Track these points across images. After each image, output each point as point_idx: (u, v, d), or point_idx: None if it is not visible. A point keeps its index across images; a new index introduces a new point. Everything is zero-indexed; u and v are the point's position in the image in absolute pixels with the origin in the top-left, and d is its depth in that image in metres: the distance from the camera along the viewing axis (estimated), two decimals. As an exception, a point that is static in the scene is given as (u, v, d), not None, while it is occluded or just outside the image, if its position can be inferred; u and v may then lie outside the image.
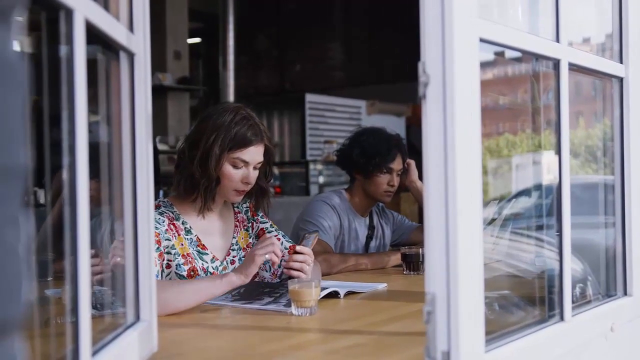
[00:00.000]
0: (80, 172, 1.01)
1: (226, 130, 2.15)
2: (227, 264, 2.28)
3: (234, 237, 2.34)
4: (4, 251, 0.55)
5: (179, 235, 2.18)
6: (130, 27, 1.35)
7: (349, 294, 2.17)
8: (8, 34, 0.56)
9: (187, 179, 2.20)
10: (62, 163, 1.03)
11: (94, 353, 1.10)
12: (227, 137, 2.15)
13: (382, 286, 2.34)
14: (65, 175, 1.02)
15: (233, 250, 2.32)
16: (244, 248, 2.35)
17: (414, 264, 2.64)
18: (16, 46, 0.59)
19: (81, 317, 1.01)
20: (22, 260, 0.58)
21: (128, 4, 1.35)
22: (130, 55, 1.34)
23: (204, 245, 2.23)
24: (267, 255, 1.98)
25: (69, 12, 0.99)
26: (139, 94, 1.37)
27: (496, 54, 1.47)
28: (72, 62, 1.00)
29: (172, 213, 2.21)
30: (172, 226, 2.17)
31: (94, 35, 1.12)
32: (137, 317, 1.37)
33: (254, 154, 2.21)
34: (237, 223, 2.37)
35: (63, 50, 1.01)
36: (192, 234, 2.22)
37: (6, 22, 0.56)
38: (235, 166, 2.19)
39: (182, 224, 2.22)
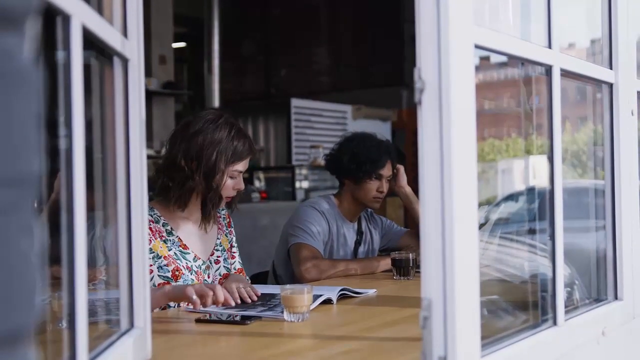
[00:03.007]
0: (77, 178, 1.00)
1: (226, 146, 2.25)
2: (210, 263, 2.36)
3: (217, 238, 2.42)
4: (19, 259, 0.55)
5: (156, 239, 2.23)
6: (125, 33, 1.34)
7: (342, 297, 2.18)
8: (21, 42, 0.56)
9: (188, 192, 2.25)
10: (52, 168, 1.02)
11: (90, 361, 1.09)
12: (229, 152, 2.25)
13: (372, 292, 2.34)
14: (61, 180, 1.01)
15: (217, 250, 2.41)
16: (227, 249, 2.45)
17: (404, 269, 2.64)
18: (29, 54, 0.58)
19: (78, 325, 1.00)
20: (36, 268, 0.58)
21: (122, 9, 1.35)
22: (125, 61, 1.34)
23: (185, 245, 2.29)
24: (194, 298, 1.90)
25: (66, 18, 0.98)
26: (132, 100, 1.36)
27: (481, 58, 1.48)
28: (69, 67, 1.00)
29: (151, 216, 2.25)
30: (149, 230, 2.21)
31: (88, 41, 1.11)
32: (131, 324, 1.36)
33: (247, 163, 2.34)
34: (220, 225, 2.46)
35: (60, 55, 1.01)
36: (173, 235, 2.28)
37: (19, 30, 0.56)
38: (231, 177, 2.29)
39: (163, 225, 2.27)
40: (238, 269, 2.46)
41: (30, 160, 0.57)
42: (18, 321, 0.55)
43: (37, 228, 0.59)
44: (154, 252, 2.20)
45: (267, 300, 2.13)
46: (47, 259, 1.11)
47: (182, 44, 10.02)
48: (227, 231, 2.49)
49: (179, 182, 2.24)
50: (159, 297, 1.99)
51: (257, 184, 7.43)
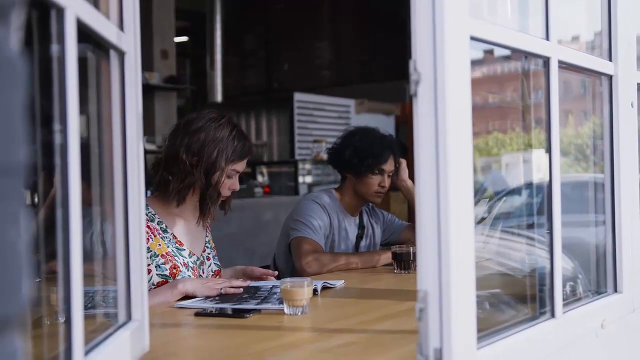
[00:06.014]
0: (72, 173, 1.00)
1: (227, 145, 2.28)
2: (203, 259, 2.41)
3: (207, 236, 2.48)
4: (5, 248, 0.55)
5: (155, 236, 2.26)
6: (121, 26, 1.34)
7: (324, 288, 2.24)
8: (7, 33, 0.56)
9: (187, 187, 2.29)
10: (51, 163, 1.02)
11: (86, 353, 1.09)
12: (229, 151, 2.29)
13: (340, 283, 2.38)
14: (55, 175, 1.02)
15: (207, 247, 2.46)
16: (213, 247, 2.50)
17: (404, 262, 2.64)
18: (15, 44, 0.58)
19: (74, 318, 1.00)
20: (23, 258, 0.58)
21: (118, 2, 1.35)
22: (121, 54, 1.34)
23: (180, 241, 2.33)
24: (222, 291, 2.13)
25: (60, 11, 0.98)
26: (129, 93, 1.36)
27: (485, 51, 1.48)
28: (64, 60, 1.00)
29: (146, 215, 2.26)
30: (146, 228, 2.23)
31: (84, 34, 1.11)
32: (129, 317, 1.36)
33: (245, 164, 2.38)
34: (208, 225, 2.50)
35: (54, 48, 1.01)
36: (168, 232, 2.31)
37: (5, 20, 0.56)
38: (229, 176, 2.32)
39: (158, 224, 2.30)
40: (215, 270, 2.48)
41: (17, 150, 0.57)
42: (4, 309, 0.55)
43: (24, 217, 0.59)
44: (151, 251, 2.22)
45: (253, 293, 2.14)
46: (46, 253, 1.12)
47: (184, 39, 10.02)
48: (210, 230, 2.54)
49: (179, 177, 2.27)
50: (169, 296, 2.08)
51: (259, 178, 7.44)
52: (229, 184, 2.33)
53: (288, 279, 1.96)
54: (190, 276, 2.27)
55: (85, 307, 1.12)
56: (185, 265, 2.29)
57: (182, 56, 9.16)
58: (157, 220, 2.30)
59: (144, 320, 1.39)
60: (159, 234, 2.27)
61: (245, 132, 2.41)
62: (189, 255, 2.33)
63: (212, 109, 2.42)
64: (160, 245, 2.26)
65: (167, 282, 2.21)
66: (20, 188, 0.59)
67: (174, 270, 2.25)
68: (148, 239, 2.22)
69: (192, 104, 8.95)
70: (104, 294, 1.46)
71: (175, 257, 2.27)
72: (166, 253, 2.26)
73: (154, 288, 2.18)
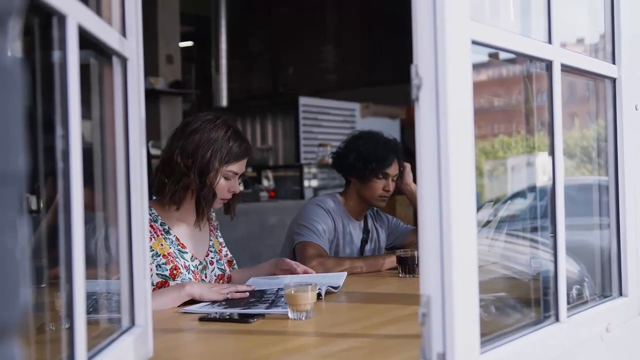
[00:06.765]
0: (74, 178, 1.01)
1: (222, 145, 2.28)
2: (206, 263, 2.41)
3: (210, 240, 2.47)
4: (3, 255, 0.55)
5: (157, 236, 2.27)
6: (123, 32, 1.35)
7: (328, 293, 2.23)
8: (4, 40, 0.56)
9: (182, 189, 2.29)
10: (54, 169, 1.03)
11: (89, 358, 1.09)
12: (224, 152, 2.28)
13: (343, 276, 2.41)
14: (58, 181, 1.02)
15: (211, 251, 2.45)
16: (218, 251, 2.49)
17: (409, 266, 2.63)
18: (13, 52, 0.59)
19: (76, 323, 1.01)
20: (21, 265, 0.58)
21: (120, 9, 1.35)
22: (123, 60, 1.34)
23: (183, 244, 2.34)
24: (228, 295, 2.13)
25: (62, 18, 0.99)
26: (132, 99, 1.36)
27: (490, 55, 1.48)
28: (65, 67, 1.00)
29: (150, 215, 2.28)
30: (149, 228, 2.24)
31: (86, 40, 1.12)
32: (132, 323, 1.36)
33: (243, 166, 2.36)
34: (212, 228, 2.50)
35: (56, 55, 1.01)
36: (171, 234, 2.32)
37: (2, 28, 0.56)
38: (226, 178, 2.32)
39: (161, 225, 2.31)
40: (228, 261, 2.52)
41: (15, 158, 0.57)
42: (2, 317, 0.55)
43: (23, 225, 0.59)
44: (153, 251, 2.23)
45: (260, 297, 2.14)
46: (51, 259, 1.12)
47: (189, 43, 10.02)
48: (217, 233, 2.54)
49: (175, 179, 2.27)
50: (175, 298, 2.08)
51: (265, 182, 7.43)
52: (228, 186, 2.32)
53: (292, 283, 1.96)
54: (190, 279, 2.27)
55: (88, 312, 1.12)
56: (186, 267, 2.29)
57: (187, 61, 9.17)
58: (160, 221, 2.31)
59: (147, 325, 1.39)
60: (162, 234, 2.28)
61: (243, 134, 2.39)
62: (191, 258, 2.33)
63: (209, 111, 2.42)
64: (162, 245, 2.26)
65: (166, 282, 2.21)
66: (19, 196, 0.59)
67: (174, 272, 2.25)
68: (150, 238, 2.22)
69: (197, 108, 8.95)
70: (108, 297, 1.47)
71: (177, 259, 2.27)
72: (168, 253, 2.26)
73: (155, 289, 2.18)
